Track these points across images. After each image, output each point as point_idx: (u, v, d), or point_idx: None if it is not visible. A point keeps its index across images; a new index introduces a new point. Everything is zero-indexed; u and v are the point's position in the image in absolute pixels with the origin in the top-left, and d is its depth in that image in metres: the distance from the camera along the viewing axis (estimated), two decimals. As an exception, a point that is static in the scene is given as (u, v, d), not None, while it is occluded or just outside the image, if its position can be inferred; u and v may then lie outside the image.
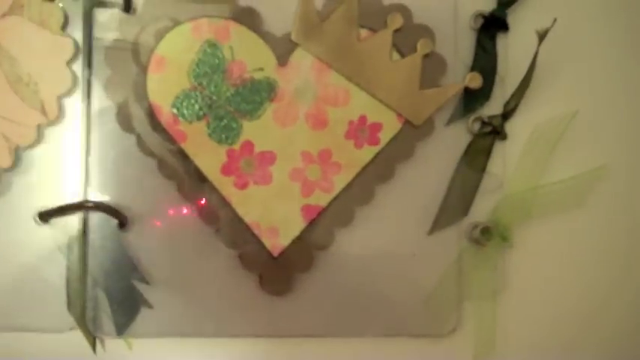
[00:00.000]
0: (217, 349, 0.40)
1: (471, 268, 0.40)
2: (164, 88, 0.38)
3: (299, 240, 0.39)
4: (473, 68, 0.41)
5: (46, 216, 0.38)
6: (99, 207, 0.38)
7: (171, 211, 0.39)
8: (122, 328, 0.39)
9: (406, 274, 0.40)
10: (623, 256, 0.41)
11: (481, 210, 0.41)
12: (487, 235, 0.40)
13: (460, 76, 0.40)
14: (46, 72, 0.38)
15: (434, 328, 0.40)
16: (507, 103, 0.41)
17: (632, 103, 0.42)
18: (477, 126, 0.41)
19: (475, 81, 0.40)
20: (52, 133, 0.38)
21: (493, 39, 0.41)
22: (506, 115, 0.41)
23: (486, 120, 0.41)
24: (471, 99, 0.41)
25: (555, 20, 0.39)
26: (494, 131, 0.41)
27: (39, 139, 0.38)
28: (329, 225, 0.39)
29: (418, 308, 0.40)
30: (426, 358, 0.40)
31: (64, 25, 0.38)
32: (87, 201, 0.39)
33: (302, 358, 0.40)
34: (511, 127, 0.41)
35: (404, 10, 0.39)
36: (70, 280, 0.39)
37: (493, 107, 0.41)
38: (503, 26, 0.41)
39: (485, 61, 0.41)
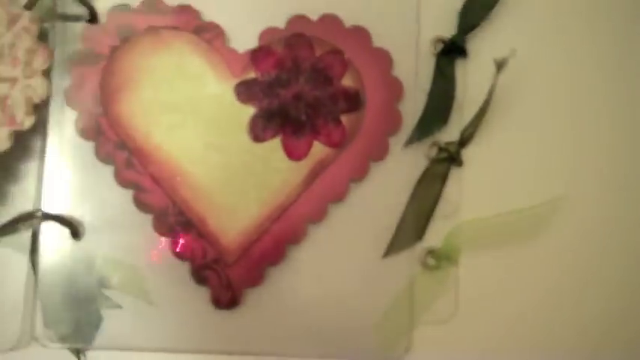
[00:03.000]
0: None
1: (423, 293, 0.40)
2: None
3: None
4: (431, 93, 0.41)
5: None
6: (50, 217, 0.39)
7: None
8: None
9: (358, 297, 0.40)
10: (570, 291, 0.40)
11: (435, 236, 0.41)
12: (434, 256, 0.40)
13: (418, 101, 0.41)
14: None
15: (383, 352, 0.40)
16: (464, 130, 0.41)
17: (592, 133, 0.42)
18: (433, 151, 0.41)
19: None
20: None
21: (452, 65, 0.41)
22: (463, 141, 0.41)
23: (443, 146, 0.41)
24: (428, 123, 0.41)
25: (514, 51, 0.40)
26: (450, 157, 0.41)
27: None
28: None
29: (368, 332, 0.40)
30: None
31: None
32: (37, 210, 0.39)
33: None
34: (468, 153, 0.41)
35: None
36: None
37: (451, 134, 0.41)
38: (462, 52, 0.41)
39: (443, 86, 0.41)
